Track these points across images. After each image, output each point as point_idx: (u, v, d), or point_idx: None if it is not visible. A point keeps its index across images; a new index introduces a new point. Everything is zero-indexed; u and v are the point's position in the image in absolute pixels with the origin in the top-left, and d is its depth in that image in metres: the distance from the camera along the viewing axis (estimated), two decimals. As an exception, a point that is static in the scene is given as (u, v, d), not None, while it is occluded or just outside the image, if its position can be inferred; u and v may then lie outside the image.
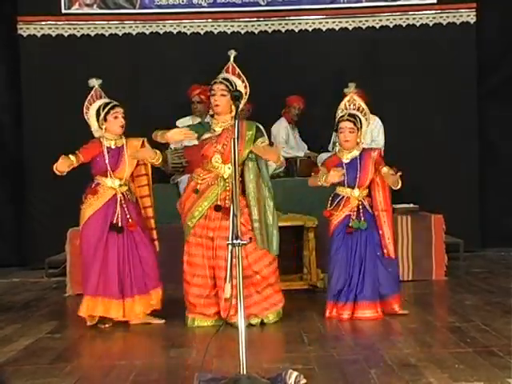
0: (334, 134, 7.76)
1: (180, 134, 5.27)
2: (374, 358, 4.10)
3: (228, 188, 5.20)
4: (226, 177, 5.25)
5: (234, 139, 3.84)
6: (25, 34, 8.66)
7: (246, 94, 5.37)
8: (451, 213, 7.39)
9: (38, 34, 8.66)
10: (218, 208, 5.16)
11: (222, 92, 5.25)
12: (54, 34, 8.74)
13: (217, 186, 5.25)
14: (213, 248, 5.22)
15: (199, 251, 5.28)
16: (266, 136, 5.51)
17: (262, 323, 5.20)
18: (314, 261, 6.42)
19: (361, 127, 5.47)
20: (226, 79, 5.34)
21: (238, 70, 5.46)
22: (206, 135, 5.34)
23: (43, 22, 8.76)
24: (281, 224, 6.63)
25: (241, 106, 4.11)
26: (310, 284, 6.44)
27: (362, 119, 5.52)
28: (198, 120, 7.64)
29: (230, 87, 5.24)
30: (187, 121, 7.68)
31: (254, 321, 5.18)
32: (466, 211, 8.51)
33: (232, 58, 5.52)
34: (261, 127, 5.48)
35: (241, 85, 5.37)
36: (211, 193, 5.24)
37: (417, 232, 6.96)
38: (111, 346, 4.69)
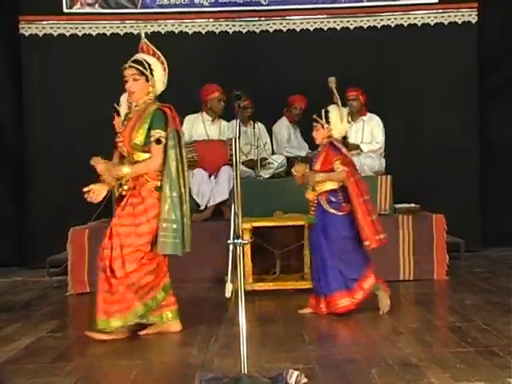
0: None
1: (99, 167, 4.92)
2: (375, 358, 4.09)
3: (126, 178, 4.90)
4: (132, 163, 4.92)
5: (234, 138, 3.75)
6: (26, 34, 8.67)
7: (164, 70, 5.05)
8: (452, 213, 7.37)
9: (40, 34, 8.66)
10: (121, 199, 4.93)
11: (133, 77, 4.91)
12: (55, 34, 8.75)
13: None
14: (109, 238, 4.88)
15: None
16: (160, 126, 4.86)
17: None
18: (315, 260, 6.40)
19: (328, 123, 5.53)
20: (136, 61, 4.96)
21: (152, 47, 5.12)
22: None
23: (45, 22, 8.77)
24: (282, 223, 6.68)
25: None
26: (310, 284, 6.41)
27: (331, 114, 5.56)
28: (209, 118, 7.68)
29: (142, 69, 4.91)
30: (196, 119, 7.70)
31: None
32: (467, 211, 8.51)
33: (143, 35, 5.24)
34: (162, 116, 4.90)
35: (155, 62, 5.01)
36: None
37: (418, 232, 6.95)
38: (112, 345, 4.68)
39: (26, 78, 8.66)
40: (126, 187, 4.88)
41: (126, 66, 4.94)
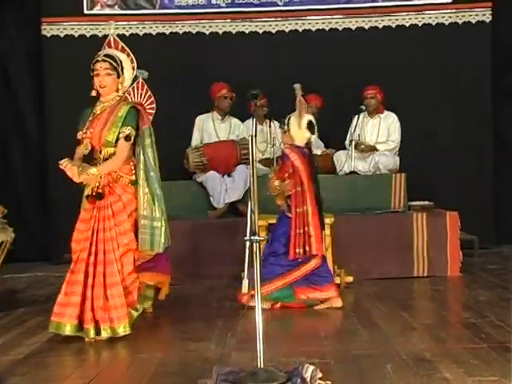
0: (349, 132, 7.79)
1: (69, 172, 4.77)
2: (390, 353, 4.09)
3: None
4: (100, 162, 4.81)
5: (251, 137, 3.75)
6: (48, 35, 8.72)
7: (133, 68, 4.99)
8: (466, 210, 7.36)
9: (61, 35, 8.71)
10: (87, 197, 4.78)
11: (106, 71, 4.76)
12: (76, 35, 8.80)
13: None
14: (91, 244, 4.70)
15: (77, 247, 4.79)
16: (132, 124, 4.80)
17: None
18: (330, 257, 6.40)
19: (288, 130, 5.59)
20: (109, 56, 4.83)
21: (121, 43, 5.02)
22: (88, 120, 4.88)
23: (66, 23, 8.81)
24: (298, 221, 6.68)
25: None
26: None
27: (290, 121, 5.60)
28: (218, 118, 7.68)
29: (115, 64, 4.79)
30: (207, 118, 7.71)
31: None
32: (481, 208, 8.47)
33: (112, 31, 5.15)
34: (136, 114, 4.82)
35: (126, 59, 4.96)
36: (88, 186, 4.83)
37: (432, 229, 6.94)
38: (132, 338, 4.71)
39: (48, 78, 8.71)
40: (100, 184, 4.77)
41: (99, 59, 4.79)
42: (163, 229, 4.90)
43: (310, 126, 5.61)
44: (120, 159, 4.80)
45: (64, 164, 4.69)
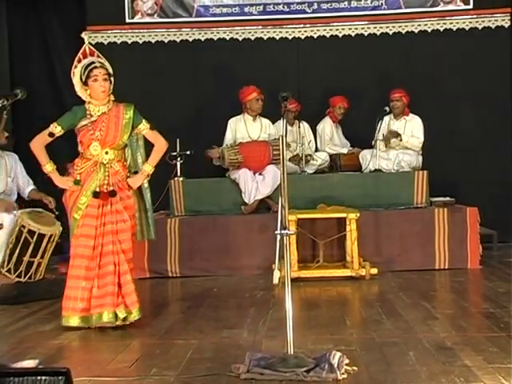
0: (376, 132, 7.74)
1: (60, 183, 4.77)
2: (413, 341, 4.07)
3: (107, 173, 4.73)
4: (105, 162, 4.73)
5: (281, 136, 3.79)
6: (93, 42, 8.74)
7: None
8: (486, 206, 7.31)
9: (105, 42, 8.75)
10: (96, 194, 4.68)
11: (104, 76, 4.69)
12: (118, 42, 8.86)
13: (96, 173, 4.72)
14: (95, 236, 4.66)
15: (86, 241, 4.68)
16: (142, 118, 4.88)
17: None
18: (355, 250, 6.39)
19: None
20: (103, 63, 4.75)
21: (96, 51, 4.85)
22: (83, 122, 4.73)
23: (109, 31, 8.87)
24: (325, 215, 6.69)
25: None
26: (353, 272, 6.39)
27: None
28: (250, 119, 7.67)
29: (110, 71, 4.74)
30: (239, 120, 7.71)
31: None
32: (500, 204, 8.36)
33: (86, 40, 4.94)
34: (137, 110, 4.86)
35: (109, 65, 4.79)
36: (92, 181, 4.72)
37: (453, 223, 6.88)
38: (170, 325, 4.74)
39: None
40: (110, 182, 4.75)
41: (97, 65, 4.72)
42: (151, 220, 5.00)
43: None
44: (163, 145, 4.96)
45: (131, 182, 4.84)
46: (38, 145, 4.76)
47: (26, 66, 8.74)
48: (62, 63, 8.87)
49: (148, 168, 4.85)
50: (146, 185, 4.96)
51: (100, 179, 4.71)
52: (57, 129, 4.74)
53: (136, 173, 4.90)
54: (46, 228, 6.17)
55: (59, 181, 4.76)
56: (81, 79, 4.74)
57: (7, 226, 6.08)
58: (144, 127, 4.85)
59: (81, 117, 4.76)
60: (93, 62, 4.75)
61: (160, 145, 4.93)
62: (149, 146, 5.00)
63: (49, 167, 4.72)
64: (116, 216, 4.69)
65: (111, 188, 4.72)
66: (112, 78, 4.80)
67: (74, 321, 4.62)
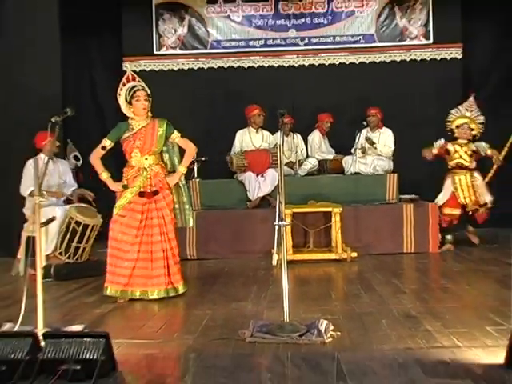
0: (355, 142, 7.70)
1: (113, 187, 4.76)
2: (385, 311, 4.07)
3: (149, 176, 4.70)
4: (146, 167, 4.71)
5: (278, 145, 3.80)
6: (128, 70, 8.75)
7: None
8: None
9: (137, 69, 8.73)
10: (141, 194, 4.68)
11: (145, 97, 4.70)
12: (147, 69, 8.86)
13: (140, 177, 4.69)
14: (138, 228, 4.64)
15: (126, 230, 4.66)
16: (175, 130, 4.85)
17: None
18: (339, 237, 6.38)
19: None
20: (144, 87, 4.76)
21: (137, 77, 4.90)
22: (126, 134, 4.74)
23: (141, 61, 8.88)
24: (314, 210, 6.68)
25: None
26: (337, 255, 6.38)
27: None
28: (254, 131, 7.66)
29: (149, 92, 4.75)
30: (244, 133, 7.70)
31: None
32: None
33: (129, 68, 5.10)
34: (169, 123, 4.83)
35: (147, 89, 4.79)
36: (135, 182, 4.70)
37: (417, 216, 6.86)
38: (188, 299, 4.73)
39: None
40: (153, 183, 4.73)
41: (140, 88, 4.73)
42: (188, 211, 4.97)
43: None
44: (193, 150, 4.92)
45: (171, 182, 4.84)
46: (95, 158, 4.79)
47: (74, 88, 8.75)
48: (102, 86, 8.91)
49: (182, 169, 4.86)
50: (184, 181, 4.96)
51: (143, 181, 4.69)
52: (107, 142, 4.77)
53: (173, 172, 4.89)
54: (89, 219, 6.18)
55: (112, 185, 4.77)
56: (126, 99, 4.75)
57: (59, 218, 6.08)
58: (176, 136, 4.83)
59: (124, 130, 4.77)
60: (135, 86, 4.76)
61: (190, 150, 4.91)
62: (181, 151, 4.98)
63: (104, 175, 4.75)
64: (161, 212, 4.72)
65: (154, 188, 4.73)
66: (151, 99, 4.79)
67: (114, 292, 4.63)
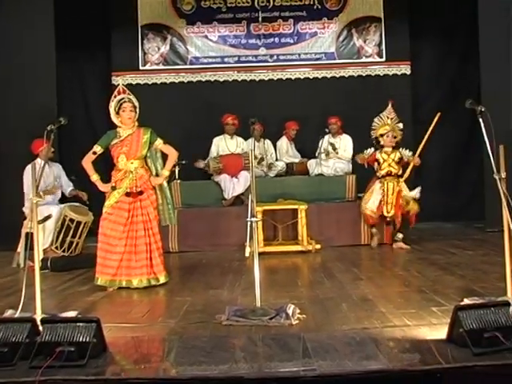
0: (318, 147, 7.75)
1: (102, 188, 4.74)
2: (345, 296, 4.09)
3: (135, 178, 4.67)
4: (132, 170, 4.68)
5: (250, 150, 3.83)
6: (116, 83, 8.67)
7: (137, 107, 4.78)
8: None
9: (125, 83, 8.50)
10: (128, 194, 4.66)
11: (131, 108, 4.68)
12: (134, 83, 8.75)
13: (127, 179, 4.66)
14: (125, 224, 4.62)
15: (114, 226, 4.63)
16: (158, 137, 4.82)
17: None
18: (305, 231, 6.41)
19: None
20: (131, 99, 4.73)
21: (127, 90, 4.86)
22: (114, 141, 4.72)
23: (128, 76, 8.77)
24: (283, 207, 6.69)
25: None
26: (303, 247, 6.42)
27: None
28: (229, 137, 7.65)
29: (136, 104, 4.73)
30: (220, 139, 7.69)
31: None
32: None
33: (121, 83, 5.06)
34: (153, 131, 4.80)
35: (135, 99, 4.78)
36: (123, 184, 4.67)
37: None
38: (170, 286, 4.71)
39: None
40: (138, 184, 4.71)
41: (126, 100, 4.69)
42: (171, 210, 4.95)
43: None
44: (175, 155, 4.87)
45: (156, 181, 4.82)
46: (86, 162, 4.75)
47: (67, 99, 8.60)
48: (93, 97, 8.81)
49: (166, 172, 4.85)
50: (166, 184, 4.93)
51: (129, 183, 4.68)
52: (97, 148, 4.74)
53: (157, 175, 4.86)
54: (82, 217, 6.15)
55: (102, 186, 4.74)
56: (115, 110, 4.74)
57: (55, 215, 6.06)
58: (159, 142, 4.80)
59: (113, 137, 4.75)
60: (123, 98, 4.74)
61: (172, 154, 4.87)
62: (164, 156, 4.94)
63: (95, 177, 4.72)
64: (146, 210, 4.71)
65: (139, 189, 4.72)
66: (137, 110, 4.76)
67: (104, 281, 4.62)
